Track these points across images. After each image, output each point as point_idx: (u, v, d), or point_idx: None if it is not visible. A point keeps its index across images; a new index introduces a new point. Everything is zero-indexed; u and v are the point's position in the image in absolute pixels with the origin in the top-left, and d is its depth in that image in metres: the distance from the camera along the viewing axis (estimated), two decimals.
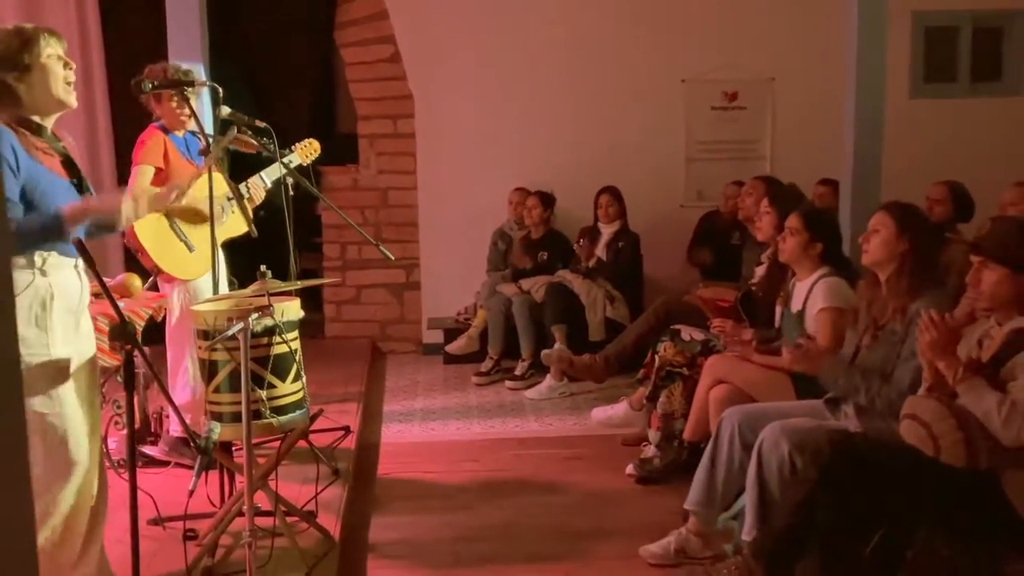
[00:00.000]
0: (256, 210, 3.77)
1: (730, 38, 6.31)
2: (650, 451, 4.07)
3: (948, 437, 2.45)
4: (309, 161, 3.98)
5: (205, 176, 3.25)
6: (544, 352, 5.30)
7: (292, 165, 3.82)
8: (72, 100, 2.55)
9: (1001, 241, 2.61)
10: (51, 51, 2.48)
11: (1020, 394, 2.40)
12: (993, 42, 6.52)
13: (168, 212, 3.55)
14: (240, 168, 3.92)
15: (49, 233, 2.40)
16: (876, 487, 2.56)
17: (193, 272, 3.68)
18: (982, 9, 6.40)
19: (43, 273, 2.40)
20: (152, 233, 3.61)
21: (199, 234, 3.58)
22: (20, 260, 2.35)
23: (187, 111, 3.51)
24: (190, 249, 3.67)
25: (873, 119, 4.63)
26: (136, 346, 2.20)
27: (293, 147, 3.93)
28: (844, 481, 2.57)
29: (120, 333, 2.17)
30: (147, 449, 3.95)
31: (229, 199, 3.64)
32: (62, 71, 2.50)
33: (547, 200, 6.06)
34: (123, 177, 5.80)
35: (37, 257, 2.40)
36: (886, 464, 2.59)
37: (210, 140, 3.32)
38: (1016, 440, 2.39)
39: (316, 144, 4.03)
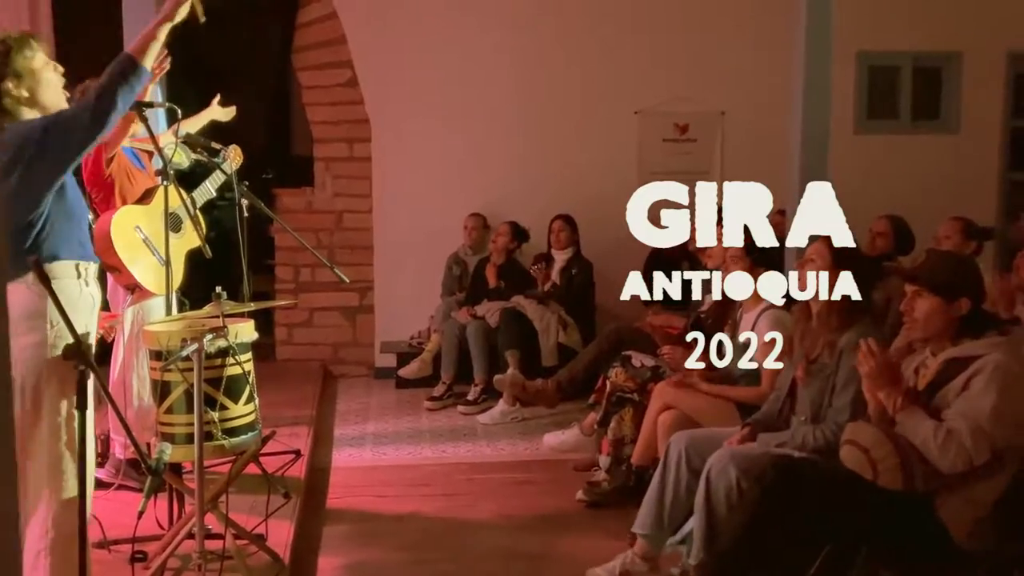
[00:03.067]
0: (208, 231, 3.80)
1: (682, 72, 6.46)
2: (600, 475, 4.12)
3: (886, 462, 2.53)
4: (235, 168, 4.01)
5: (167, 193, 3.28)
6: (497, 377, 5.34)
7: (229, 172, 3.89)
8: (64, 103, 2.59)
9: (935, 271, 2.72)
10: (41, 56, 2.53)
11: (955, 423, 2.50)
12: (932, 82, 6.79)
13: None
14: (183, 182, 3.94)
15: (126, 74, 2.44)
16: (819, 510, 2.64)
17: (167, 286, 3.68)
18: (922, 51, 6.65)
19: (86, 283, 2.43)
20: (129, 249, 3.61)
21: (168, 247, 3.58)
22: (68, 270, 2.38)
23: (142, 130, 3.51)
24: (162, 263, 3.66)
25: (819, 153, 4.78)
26: (90, 366, 2.19)
27: (226, 152, 3.96)
28: (788, 504, 2.65)
29: (74, 352, 2.16)
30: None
31: (190, 215, 3.67)
32: (55, 76, 2.56)
33: (519, 233, 6.10)
34: None
35: (82, 268, 2.46)
36: (828, 488, 2.67)
37: (167, 160, 3.33)
38: (952, 467, 2.49)
39: (239, 150, 4.06)
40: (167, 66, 3.63)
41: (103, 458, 3.99)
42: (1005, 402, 2.48)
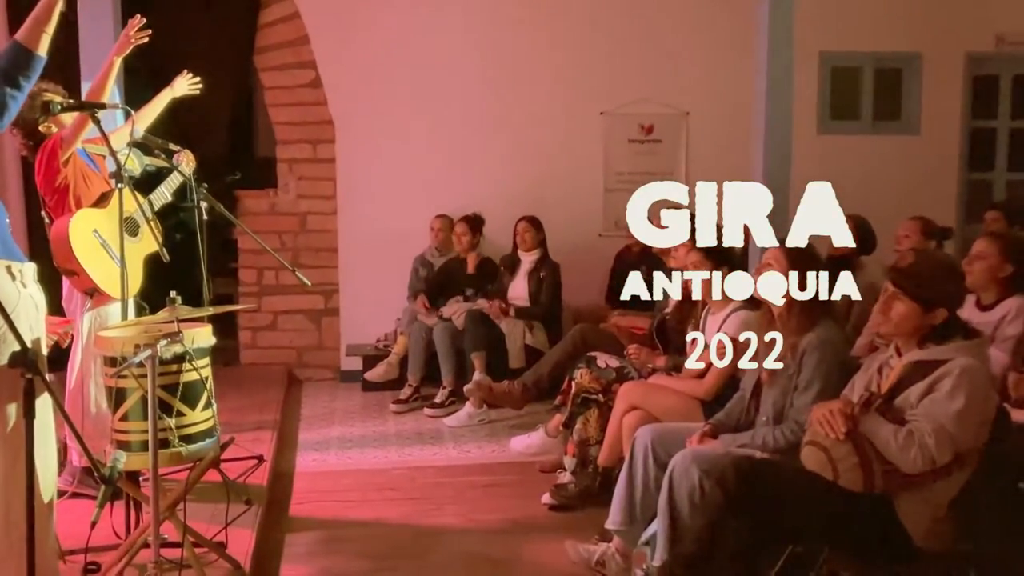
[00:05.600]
0: (169, 234, 3.74)
1: (647, 74, 6.48)
2: (565, 477, 4.11)
3: (845, 462, 2.54)
4: (190, 171, 3.95)
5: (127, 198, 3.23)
6: (466, 387, 5.32)
7: (187, 175, 3.86)
8: None
9: (919, 277, 2.67)
10: None
11: (916, 423, 2.51)
12: (893, 83, 6.87)
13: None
14: (141, 185, 3.88)
15: (18, 60, 2.36)
16: (780, 511, 2.64)
17: (128, 290, 3.61)
18: (882, 51, 6.73)
19: (23, 285, 2.36)
20: (88, 253, 3.54)
21: (126, 251, 3.52)
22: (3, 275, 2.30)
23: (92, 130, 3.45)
24: (121, 267, 3.59)
25: (782, 153, 4.82)
26: (37, 374, 2.13)
27: (178, 156, 3.90)
28: (750, 505, 2.65)
29: (20, 360, 2.10)
30: None
31: (147, 220, 3.61)
32: None
33: (475, 225, 6.07)
34: (29, 193, 5.64)
35: (15, 270, 2.37)
36: (790, 488, 2.67)
37: (120, 164, 3.27)
38: (914, 466, 2.50)
39: (190, 154, 3.99)
40: (145, 39, 3.63)
41: (61, 466, 3.91)
42: (971, 405, 2.49)
